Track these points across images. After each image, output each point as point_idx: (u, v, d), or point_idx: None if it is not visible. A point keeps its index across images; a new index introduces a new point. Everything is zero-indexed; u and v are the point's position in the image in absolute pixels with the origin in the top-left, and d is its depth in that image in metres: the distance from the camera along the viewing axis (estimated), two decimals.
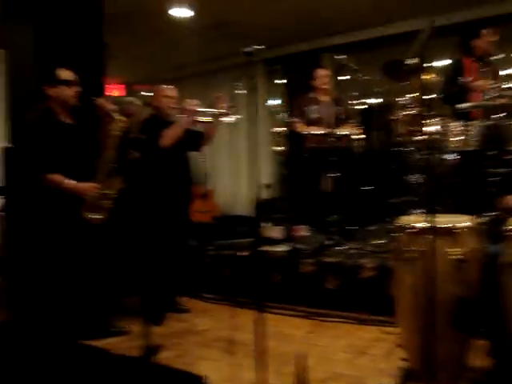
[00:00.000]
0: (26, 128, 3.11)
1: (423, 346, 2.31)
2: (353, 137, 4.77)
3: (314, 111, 4.90)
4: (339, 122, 4.85)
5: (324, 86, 4.87)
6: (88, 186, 3.09)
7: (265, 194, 6.34)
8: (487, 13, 5.18)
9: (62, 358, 1.83)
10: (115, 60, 5.90)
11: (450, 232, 2.21)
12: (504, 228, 2.14)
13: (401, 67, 3.66)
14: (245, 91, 7.26)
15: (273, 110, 7.39)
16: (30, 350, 1.90)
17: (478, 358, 2.34)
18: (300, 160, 5.06)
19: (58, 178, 3.04)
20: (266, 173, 7.12)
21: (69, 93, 3.15)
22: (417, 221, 2.31)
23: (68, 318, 2.95)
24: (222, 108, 3.70)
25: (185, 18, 5.68)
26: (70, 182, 3.06)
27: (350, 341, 3.08)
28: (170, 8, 5.42)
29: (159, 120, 3.76)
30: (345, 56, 4.42)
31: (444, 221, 2.29)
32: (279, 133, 7.13)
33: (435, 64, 4.94)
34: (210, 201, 6.53)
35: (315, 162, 4.77)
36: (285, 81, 7.17)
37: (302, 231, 4.48)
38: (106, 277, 3.32)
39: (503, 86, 3.53)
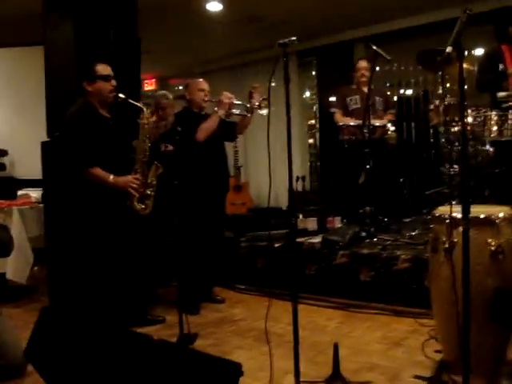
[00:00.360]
0: (67, 122, 3.15)
1: (459, 338, 2.29)
2: (389, 128, 4.74)
3: (354, 102, 4.90)
4: (379, 112, 4.83)
5: (364, 79, 4.83)
6: (128, 179, 3.13)
7: (299, 186, 6.34)
8: None
9: (102, 341, 1.88)
10: (147, 54, 6.02)
11: (487, 222, 2.18)
12: None
13: (435, 57, 3.58)
14: (276, 84, 7.32)
15: (306, 103, 7.37)
16: (69, 336, 1.97)
17: None
18: (334, 152, 5.04)
19: (100, 172, 3.07)
20: (300, 165, 7.11)
21: (107, 87, 3.17)
22: (453, 211, 2.28)
23: (108, 306, 3.04)
24: (256, 100, 3.70)
25: (215, 12, 5.70)
26: (111, 178, 3.09)
27: (385, 332, 3.06)
28: (202, 2, 5.44)
29: (192, 113, 3.80)
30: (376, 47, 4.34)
31: (481, 211, 2.26)
32: (313, 125, 7.13)
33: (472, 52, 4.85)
34: (245, 193, 6.58)
35: (349, 154, 4.75)
36: (317, 73, 7.12)
37: (336, 223, 4.47)
38: (145, 266, 3.40)
39: None
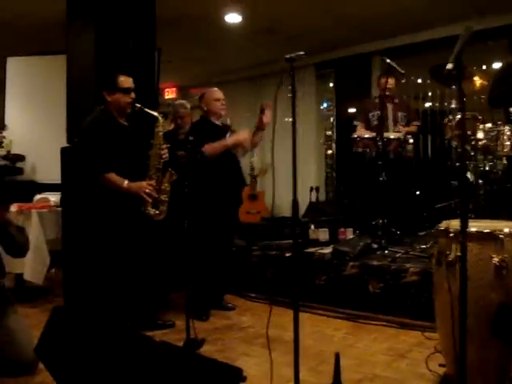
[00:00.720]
0: (85, 128, 3.25)
1: (456, 352, 2.30)
2: (408, 139, 4.73)
3: (375, 118, 4.93)
4: (399, 127, 4.85)
5: (388, 92, 4.84)
6: (142, 185, 3.21)
7: (313, 197, 6.38)
8: None
9: (109, 342, 1.95)
10: (168, 63, 6.14)
11: (491, 237, 2.20)
12: None
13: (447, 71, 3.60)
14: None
15: (324, 114, 7.41)
16: (79, 335, 2.04)
17: None
18: (349, 163, 5.07)
19: (114, 177, 3.15)
20: (316, 175, 7.14)
21: (126, 99, 3.27)
22: (458, 225, 2.30)
23: (120, 309, 3.11)
24: (267, 116, 3.76)
25: (234, 24, 5.80)
26: (125, 183, 3.17)
27: (391, 344, 3.08)
28: (221, 14, 5.54)
29: (209, 123, 3.87)
30: (390, 60, 4.37)
31: (486, 226, 2.27)
32: (329, 136, 7.17)
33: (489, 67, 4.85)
34: (260, 202, 6.63)
35: (364, 166, 4.78)
36: (334, 84, 7.18)
37: (348, 234, 4.49)
38: (157, 271, 3.47)
39: None
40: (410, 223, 4.93)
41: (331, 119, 7.28)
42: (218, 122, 3.90)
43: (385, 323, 3.45)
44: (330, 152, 7.18)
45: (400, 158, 4.72)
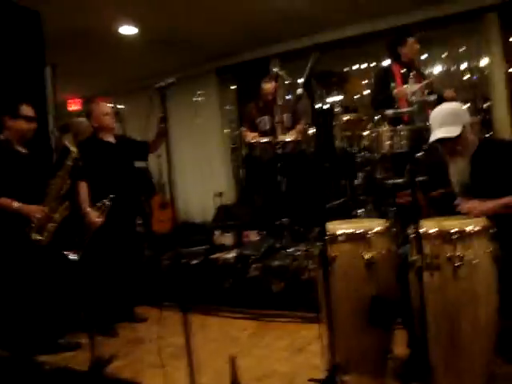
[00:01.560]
0: None
1: (346, 342, 2.55)
2: (300, 140, 4.96)
3: (263, 124, 5.08)
4: (287, 129, 5.04)
5: (270, 97, 4.98)
6: (34, 208, 3.23)
7: (221, 201, 6.52)
8: (413, 19, 5.45)
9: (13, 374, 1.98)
10: (71, 76, 6.06)
11: (361, 237, 2.45)
12: (411, 231, 2.37)
13: (330, 78, 3.90)
14: (200, 99, 7.52)
15: (227, 118, 7.57)
16: None
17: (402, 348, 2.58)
18: (251, 166, 5.25)
19: (4, 200, 3.19)
20: (225, 178, 7.30)
21: (26, 127, 3.37)
22: (336, 227, 2.53)
23: (19, 335, 3.09)
24: (161, 127, 3.77)
25: (130, 35, 5.81)
26: (16, 203, 3.21)
27: (292, 340, 3.28)
28: (116, 26, 5.54)
29: (97, 142, 3.84)
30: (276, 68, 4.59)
31: (358, 226, 2.52)
32: (234, 140, 7.35)
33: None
34: (170, 210, 6.66)
35: (265, 168, 4.97)
36: (235, 88, 7.35)
37: (252, 236, 4.68)
38: (55, 292, 3.45)
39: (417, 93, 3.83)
40: (308, 221, 5.17)
41: (234, 123, 7.45)
42: (110, 138, 3.91)
43: (288, 319, 3.66)
44: (234, 155, 7.35)
45: (299, 158, 4.95)
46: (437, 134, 2.55)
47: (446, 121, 2.53)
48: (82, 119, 4.54)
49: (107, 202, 3.48)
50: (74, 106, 9.01)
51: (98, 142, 3.85)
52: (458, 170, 2.65)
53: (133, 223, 4.09)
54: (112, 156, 3.84)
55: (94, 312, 3.14)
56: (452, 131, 2.50)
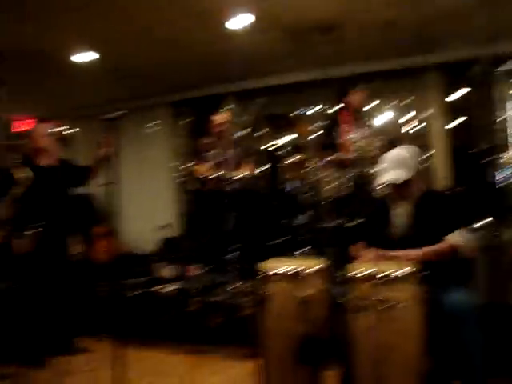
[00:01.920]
0: None
1: (280, 379, 2.59)
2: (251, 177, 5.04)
3: (213, 154, 5.13)
4: (232, 165, 5.10)
5: (218, 129, 4.98)
6: None
7: (168, 233, 6.50)
8: (363, 69, 5.74)
9: None
10: (25, 95, 5.99)
11: (296, 276, 2.52)
12: (344, 272, 2.48)
13: (280, 120, 4.05)
14: (152, 130, 7.54)
15: (178, 151, 7.61)
16: None
17: None
18: (200, 200, 5.28)
19: None
20: (172, 211, 7.29)
21: None
22: (272, 266, 2.61)
23: None
24: (103, 151, 3.69)
25: (86, 62, 5.81)
26: None
27: (227, 376, 3.30)
28: (69, 51, 5.51)
29: (29, 165, 3.70)
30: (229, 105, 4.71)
31: (293, 265, 2.60)
32: (184, 172, 7.37)
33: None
34: (112, 240, 6.57)
35: (213, 202, 5.01)
36: (189, 121, 7.44)
37: (195, 270, 4.68)
38: None
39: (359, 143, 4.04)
40: (257, 257, 5.23)
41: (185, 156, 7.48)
42: (47, 162, 3.80)
43: (225, 355, 3.67)
44: (183, 188, 7.36)
45: (247, 194, 5.02)
46: (386, 177, 2.70)
47: (397, 165, 2.69)
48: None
49: (36, 229, 3.40)
50: (24, 126, 8.83)
51: (29, 167, 3.70)
52: (401, 212, 2.79)
53: (63, 251, 3.94)
54: (42, 181, 3.70)
55: (22, 342, 3.04)
56: (401, 175, 2.66)
